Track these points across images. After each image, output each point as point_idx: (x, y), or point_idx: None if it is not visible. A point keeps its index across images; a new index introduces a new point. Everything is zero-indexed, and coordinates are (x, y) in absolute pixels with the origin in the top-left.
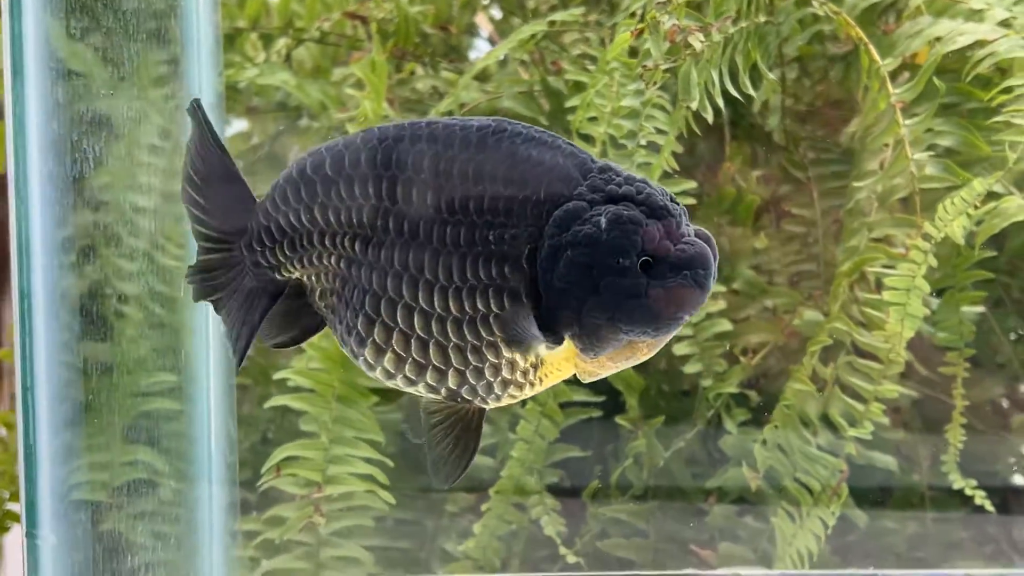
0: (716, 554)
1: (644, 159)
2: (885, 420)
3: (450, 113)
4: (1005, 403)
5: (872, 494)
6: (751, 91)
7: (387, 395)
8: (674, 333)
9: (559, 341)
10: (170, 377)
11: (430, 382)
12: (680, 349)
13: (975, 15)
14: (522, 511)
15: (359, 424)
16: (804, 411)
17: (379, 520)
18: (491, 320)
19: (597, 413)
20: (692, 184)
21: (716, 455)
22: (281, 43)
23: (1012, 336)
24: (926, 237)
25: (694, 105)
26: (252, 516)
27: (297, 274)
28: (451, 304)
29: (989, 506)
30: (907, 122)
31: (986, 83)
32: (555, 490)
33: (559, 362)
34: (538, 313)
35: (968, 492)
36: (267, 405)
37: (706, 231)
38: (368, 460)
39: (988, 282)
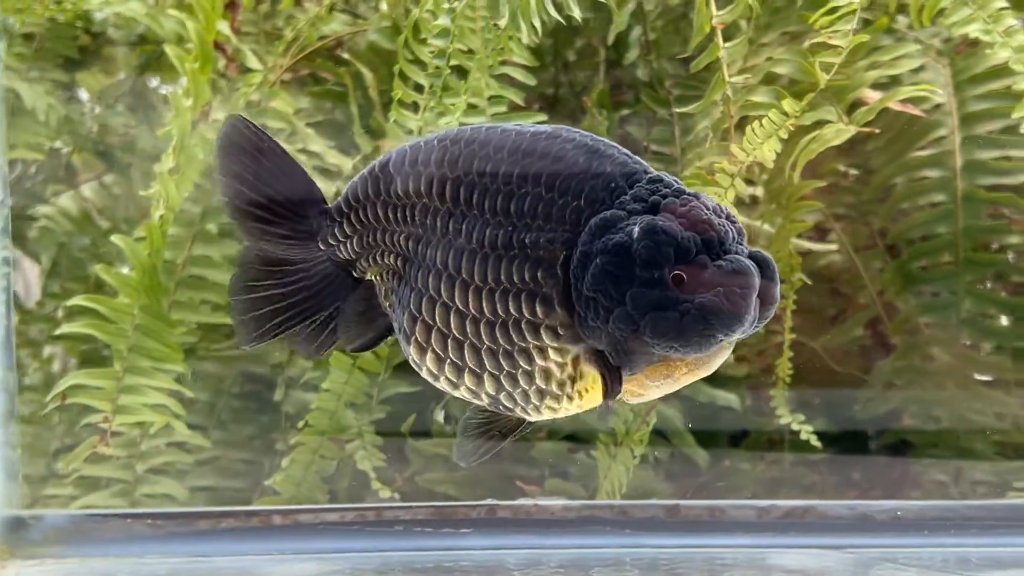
0: (542, 490)
1: (495, 92)
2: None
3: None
4: (869, 344)
5: (715, 432)
6: (575, 13)
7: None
8: (715, 355)
9: (596, 354)
10: None
11: (469, 386)
12: None
13: None
14: (341, 447)
15: (158, 354)
16: None
17: (205, 459)
18: (523, 325)
19: None
20: (542, 116)
21: None
22: None
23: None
24: (733, 161)
25: (502, 23)
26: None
27: (369, 273)
28: (484, 305)
29: (815, 441)
30: (726, 45)
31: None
32: (384, 426)
33: (599, 377)
34: (572, 322)
35: (795, 427)
36: (56, 333)
37: (765, 254)
38: (169, 392)
39: (853, 221)
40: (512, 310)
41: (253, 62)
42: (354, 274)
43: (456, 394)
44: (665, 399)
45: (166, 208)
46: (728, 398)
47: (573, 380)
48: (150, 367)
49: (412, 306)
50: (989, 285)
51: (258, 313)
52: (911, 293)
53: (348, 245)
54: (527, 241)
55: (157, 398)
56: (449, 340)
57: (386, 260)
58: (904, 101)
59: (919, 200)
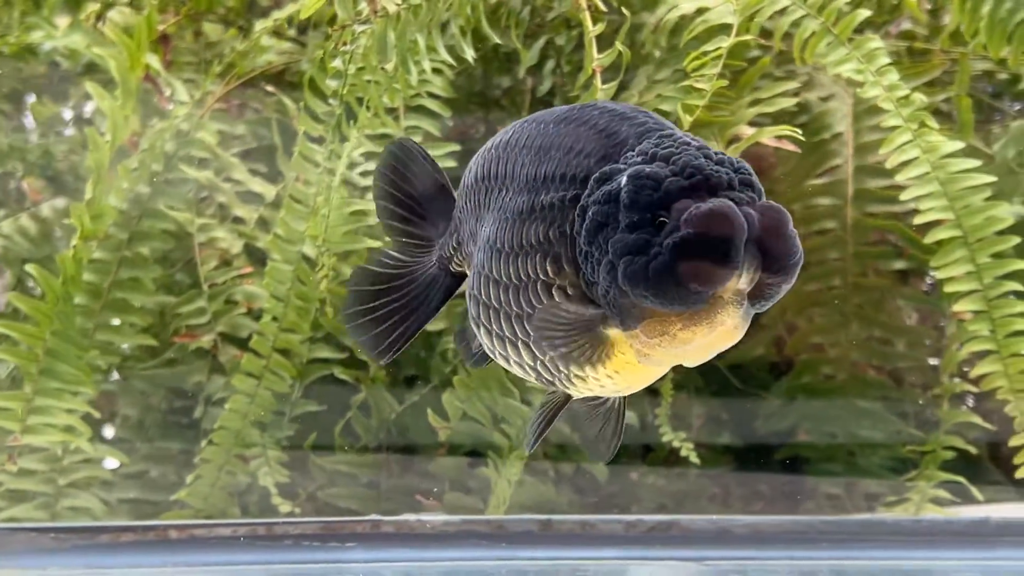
0: (442, 504)
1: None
2: None
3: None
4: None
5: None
6: (468, 55)
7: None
8: (715, 314)
9: (606, 316)
10: None
11: (514, 358)
12: None
13: None
14: (245, 462)
15: (69, 377)
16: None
17: (132, 473)
18: (539, 287)
19: (338, 370)
20: (455, 147)
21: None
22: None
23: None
24: None
25: (389, 67)
26: None
27: (465, 266)
28: (511, 271)
29: (694, 458)
30: (604, 86)
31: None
32: (293, 443)
33: (618, 343)
34: (579, 282)
35: (676, 444)
36: None
37: (775, 204)
38: (76, 413)
39: None
40: (530, 272)
41: (182, 94)
42: (452, 269)
43: (512, 370)
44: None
45: (79, 238)
46: (627, 415)
47: (592, 345)
48: (60, 389)
49: (472, 285)
50: (876, 308)
51: (382, 328)
52: (806, 315)
53: (450, 241)
54: (544, 203)
55: (67, 419)
56: (491, 312)
57: (467, 249)
58: (780, 137)
59: (813, 226)
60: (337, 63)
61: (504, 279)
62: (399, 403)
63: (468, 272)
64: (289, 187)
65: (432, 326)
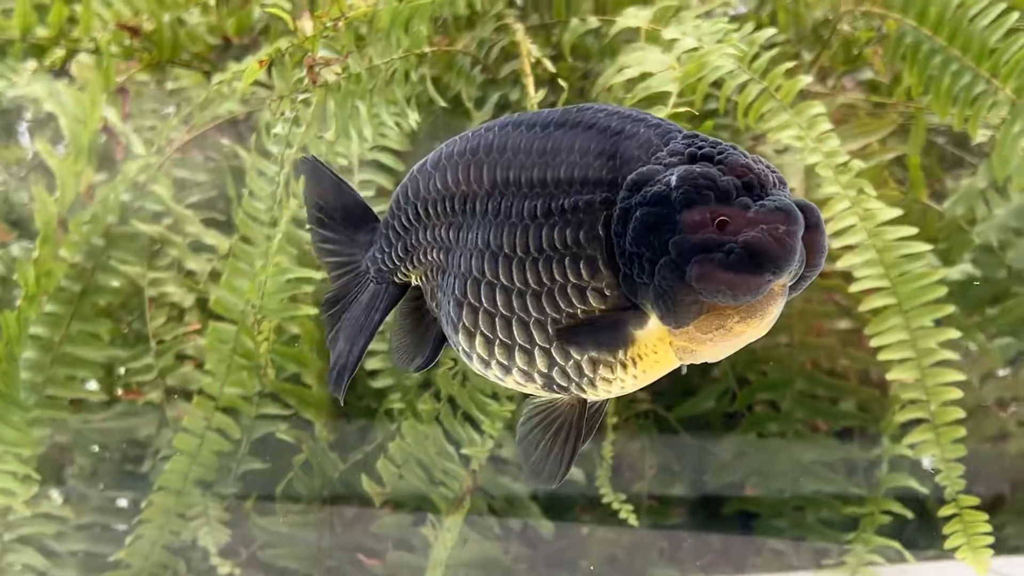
0: (384, 563)
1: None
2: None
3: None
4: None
5: (563, 505)
6: (411, 121)
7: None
8: (768, 303)
9: (644, 317)
10: None
11: (521, 366)
12: (371, 364)
13: (670, 44)
14: (186, 521)
15: (9, 437)
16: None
17: (83, 524)
18: (569, 290)
19: (283, 426)
20: None
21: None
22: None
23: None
24: None
25: (329, 135)
26: None
27: (412, 277)
28: (529, 276)
29: (633, 520)
30: None
31: None
32: (238, 500)
33: (652, 342)
34: (618, 283)
35: (616, 506)
36: None
37: (808, 201)
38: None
39: None
40: (557, 276)
41: (138, 147)
42: (396, 280)
43: (508, 382)
44: (512, 473)
45: (24, 299)
46: (573, 472)
47: (628, 346)
48: (2, 452)
49: (457, 291)
50: (819, 367)
51: (338, 367)
52: (756, 370)
53: (393, 252)
54: (566, 206)
55: (4, 481)
56: (496, 319)
57: (429, 257)
58: None
59: None
60: (280, 129)
61: (518, 284)
62: (343, 461)
63: (422, 281)
64: (234, 245)
65: (380, 382)
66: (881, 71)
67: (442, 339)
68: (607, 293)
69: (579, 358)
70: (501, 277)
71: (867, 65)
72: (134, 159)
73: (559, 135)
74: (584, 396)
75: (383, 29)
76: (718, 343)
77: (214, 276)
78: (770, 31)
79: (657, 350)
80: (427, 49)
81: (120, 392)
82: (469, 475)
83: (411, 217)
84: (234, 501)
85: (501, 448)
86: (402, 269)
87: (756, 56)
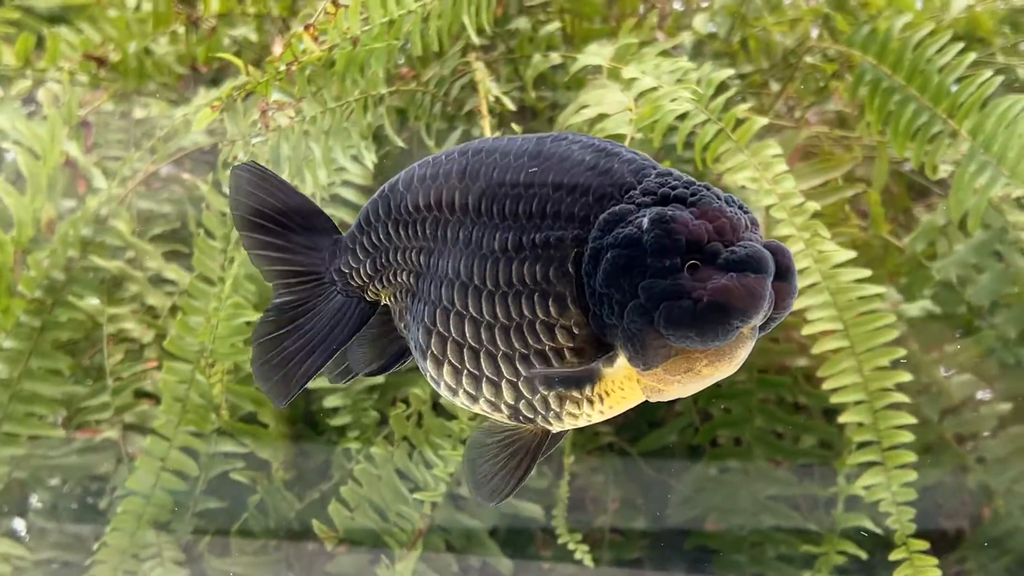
0: None
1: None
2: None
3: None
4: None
5: (522, 541)
6: (367, 162)
7: None
8: (736, 347)
9: (615, 355)
10: None
11: (488, 396)
12: (331, 401)
13: (629, 83)
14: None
15: None
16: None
17: (42, 559)
18: (537, 327)
19: (240, 464)
20: None
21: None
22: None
23: None
24: None
25: (284, 175)
26: None
27: (383, 296)
28: (498, 310)
29: (589, 561)
30: None
31: None
32: (193, 539)
33: (620, 380)
34: (587, 321)
35: (571, 546)
36: None
37: (780, 243)
38: None
39: None
40: (526, 311)
41: (100, 181)
42: (367, 298)
43: (475, 408)
44: (471, 509)
45: None
46: (532, 509)
47: (595, 383)
48: None
49: (427, 319)
50: (778, 403)
51: (283, 372)
52: (716, 406)
53: (362, 269)
54: (537, 241)
55: None
56: (465, 349)
57: (399, 279)
58: None
59: None
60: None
61: (487, 317)
62: (300, 500)
63: (391, 301)
64: (190, 283)
65: (339, 419)
66: (846, 104)
67: (401, 356)
68: (575, 331)
69: (546, 393)
70: (471, 308)
71: (834, 98)
72: (95, 193)
73: (533, 166)
74: (549, 428)
75: (338, 72)
76: (686, 384)
77: (175, 311)
78: (727, 71)
79: (624, 387)
80: (383, 91)
81: (76, 431)
82: (422, 518)
83: (381, 236)
84: (190, 540)
85: (460, 485)
86: (372, 287)
87: (717, 94)
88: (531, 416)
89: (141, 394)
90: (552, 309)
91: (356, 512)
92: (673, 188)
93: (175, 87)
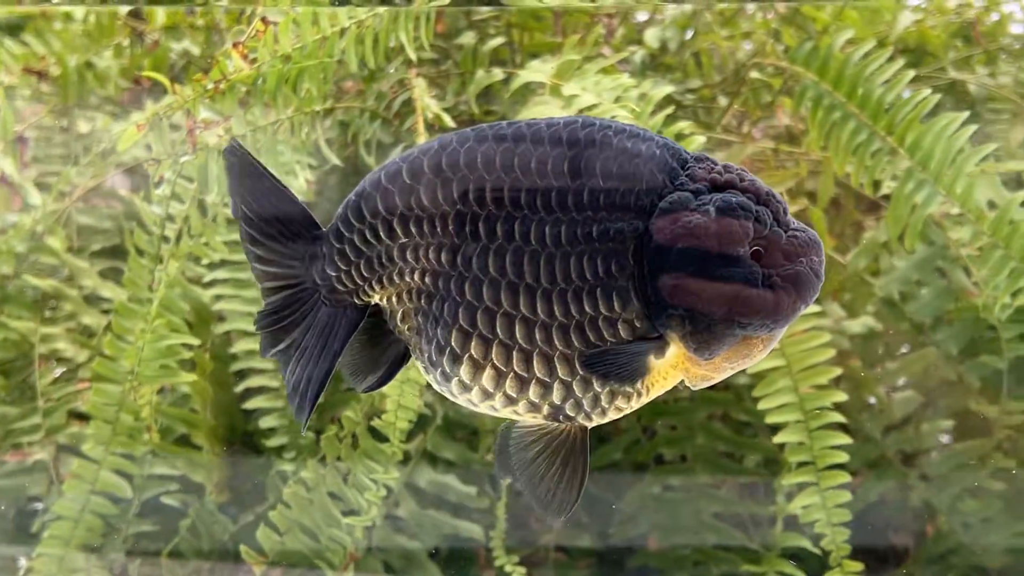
0: None
1: None
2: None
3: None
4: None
5: (462, 562)
6: (300, 180)
7: None
8: (778, 331)
9: (665, 346)
10: None
11: (532, 399)
12: (267, 422)
13: (569, 100)
14: None
15: None
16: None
17: None
18: (599, 323)
19: (174, 487)
20: None
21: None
22: None
23: None
24: None
25: (210, 198)
26: None
27: (376, 297)
28: (556, 308)
29: None
30: None
31: None
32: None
33: (667, 369)
34: (647, 314)
35: (508, 568)
36: None
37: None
38: None
39: None
40: (588, 308)
41: (34, 198)
42: (356, 303)
43: (505, 412)
44: (409, 530)
45: None
46: (472, 529)
47: (645, 373)
48: None
49: (463, 321)
50: (723, 419)
51: (293, 386)
52: (661, 423)
53: (354, 271)
54: (594, 234)
55: None
56: (514, 352)
57: (406, 278)
58: None
59: None
60: (162, 190)
61: (543, 316)
62: (234, 522)
63: (389, 302)
64: (119, 304)
65: (275, 440)
66: (792, 119)
67: (400, 362)
68: (637, 324)
69: (600, 391)
70: (523, 308)
71: (778, 113)
72: (28, 210)
73: (576, 154)
74: (588, 424)
75: (270, 91)
76: (736, 368)
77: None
78: (667, 89)
79: (668, 376)
80: (318, 108)
81: (5, 455)
82: (353, 543)
83: (378, 234)
84: (121, 564)
85: (397, 507)
86: (364, 289)
87: (656, 111)
88: (573, 415)
89: (75, 415)
90: (616, 304)
91: (287, 536)
92: (720, 174)
93: (118, 101)
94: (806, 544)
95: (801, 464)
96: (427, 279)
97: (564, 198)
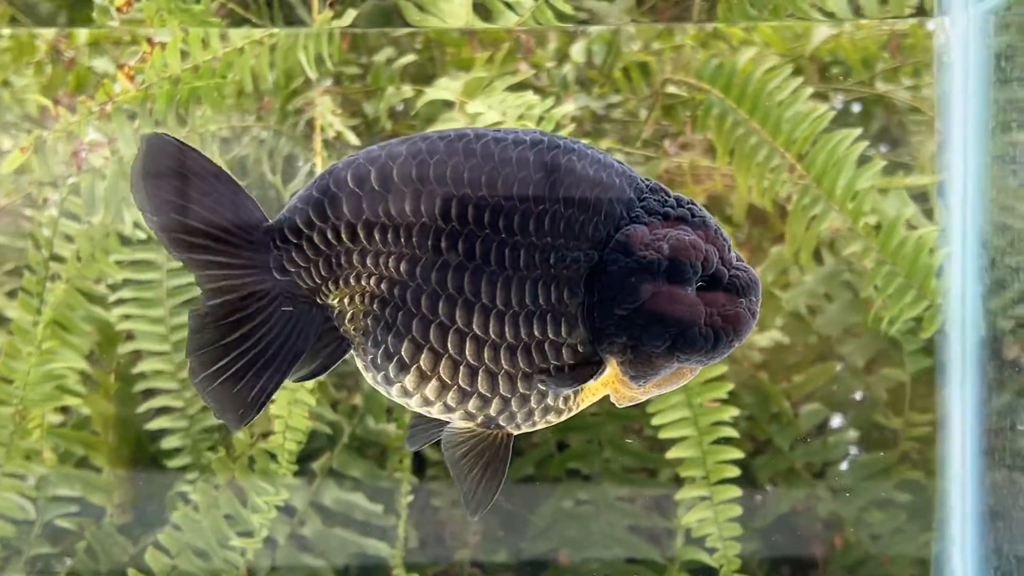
0: None
1: None
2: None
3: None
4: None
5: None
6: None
7: None
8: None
9: (603, 368)
10: None
11: (470, 410)
12: (170, 442)
13: (474, 118)
14: None
15: None
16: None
17: None
18: (546, 347)
19: (74, 509)
20: None
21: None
22: None
23: None
24: None
25: (96, 220)
26: None
27: (332, 297)
28: (507, 330)
29: None
30: None
31: None
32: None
33: (597, 386)
34: (591, 340)
35: None
36: None
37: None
38: None
39: None
40: (536, 332)
41: None
42: (318, 301)
43: (444, 417)
44: (316, 549)
45: None
46: (379, 546)
47: (576, 392)
48: None
49: (416, 333)
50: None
51: (235, 391)
52: (569, 439)
53: (313, 269)
54: (551, 260)
55: None
56: (462, 367)
57: (363, 283)
58: None
59: None
60: (52, 212)
61: (494, 336)
62: (134, 544)
63: (341, 303)
64: (15, 323)
65: (179, 460)
66: (701, 135)
67: (337, 356)
68: (580, 349)
69: (535, 407)
70: (475, 327)
71: (687, 128)
72: None
73: (541, 178)
74: (516, 432)
75: (160, 112)
76: (662, 392)
77: None
78: (569, 107)
79: (597, 393)
80: (212, 128)
81: None
82: (245, 564)
83: (340, 236)
84: None
85: (303, 526)
86: (323, 289)
87: (557, 129)
88: (505, 425)
89: None
90: (563, 329)
91: (179, 558)
92: (672, 207)
93: (38, 119)
94: (704, 557)
95: (693, 480)
96: (383, 286)
97: (526, 222)
